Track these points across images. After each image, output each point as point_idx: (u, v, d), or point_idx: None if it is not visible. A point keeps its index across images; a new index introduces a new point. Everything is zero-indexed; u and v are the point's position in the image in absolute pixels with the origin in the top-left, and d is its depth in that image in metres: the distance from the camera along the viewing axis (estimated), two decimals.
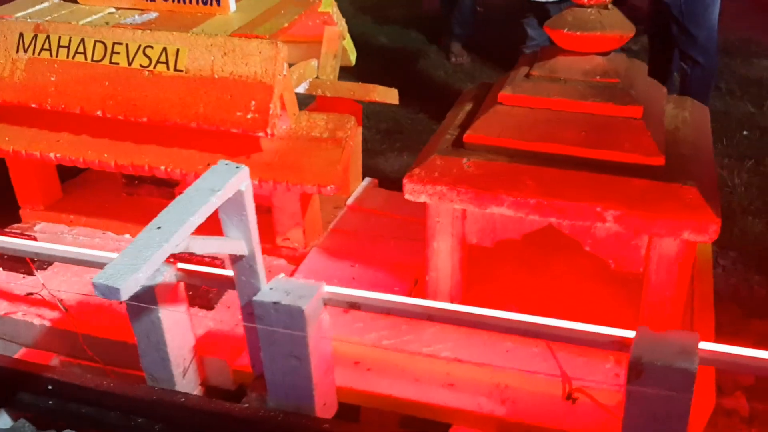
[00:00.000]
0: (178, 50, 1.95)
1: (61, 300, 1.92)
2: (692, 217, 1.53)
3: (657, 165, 1.61)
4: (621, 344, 1.36)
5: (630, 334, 1.37)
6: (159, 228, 1.22)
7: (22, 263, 2.17)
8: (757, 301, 2.21)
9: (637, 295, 1.73)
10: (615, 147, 1.63)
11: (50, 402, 1.74)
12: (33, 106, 2.10)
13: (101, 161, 2.09)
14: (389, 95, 2.29)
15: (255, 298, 1.51)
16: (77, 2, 2.24)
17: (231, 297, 1.99)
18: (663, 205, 1.55)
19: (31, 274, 2.15)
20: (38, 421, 1.85)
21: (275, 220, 2.17)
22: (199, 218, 1.28)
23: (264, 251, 1.55)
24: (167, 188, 2.45)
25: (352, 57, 2.41)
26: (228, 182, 1.34)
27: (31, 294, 1.99)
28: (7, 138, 2.20)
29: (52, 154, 2.15)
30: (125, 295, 1.11)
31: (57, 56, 2.06)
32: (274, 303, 1.49)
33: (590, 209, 1.59)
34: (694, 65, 3.04)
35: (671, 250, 1.60)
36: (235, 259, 1.50)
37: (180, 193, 2.45)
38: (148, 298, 1.60)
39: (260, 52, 1.88)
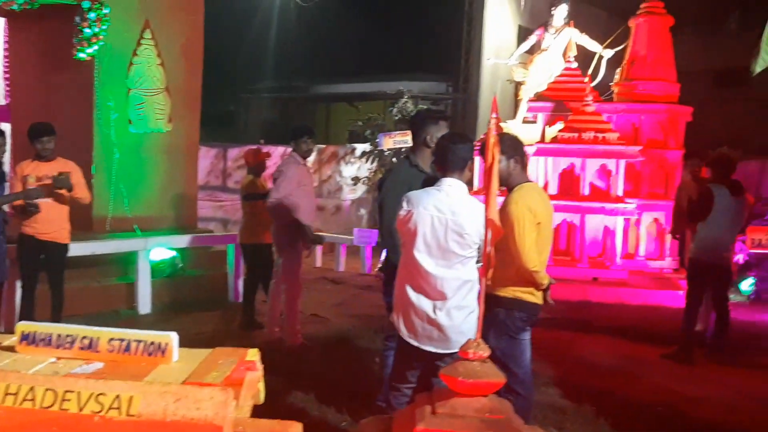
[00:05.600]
0: (131, 397, 2.21)
1: None
2: None
3: None
4: None
5: None
6: None
7: None
8: None
9: None
10: None
11: None
12: None
13: None
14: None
15: None
16: (15, 351, 2.44)
17: None
18: None
19: None
20: None
21: None
22: None
23: None
24: None
25: (262, 396, 2.78)
26: None
27: None
28: None
29: None
30: None
31: (3, 403, 2.21)
32: None
33: None
34: (517, 396, 3.78)
35: None
36: None
37: None
38: None
39: (212, 398, 2.21)
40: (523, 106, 11.65)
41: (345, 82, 20.69)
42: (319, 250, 11.13)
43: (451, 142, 3.53)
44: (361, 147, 13.34)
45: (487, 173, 2.34)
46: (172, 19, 8.41)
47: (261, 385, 2.75)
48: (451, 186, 3.43)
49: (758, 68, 2.91)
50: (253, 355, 2.63)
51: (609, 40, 11.30)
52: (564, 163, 9.73)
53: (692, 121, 10.66)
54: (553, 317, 7.55)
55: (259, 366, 2.70)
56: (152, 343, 2.45)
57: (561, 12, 11.41)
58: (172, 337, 2.45)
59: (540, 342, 6.60)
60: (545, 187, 9.82)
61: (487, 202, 2.35)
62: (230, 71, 19.28)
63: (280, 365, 5.55)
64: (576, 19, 11.54)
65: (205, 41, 8.97)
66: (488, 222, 2.34)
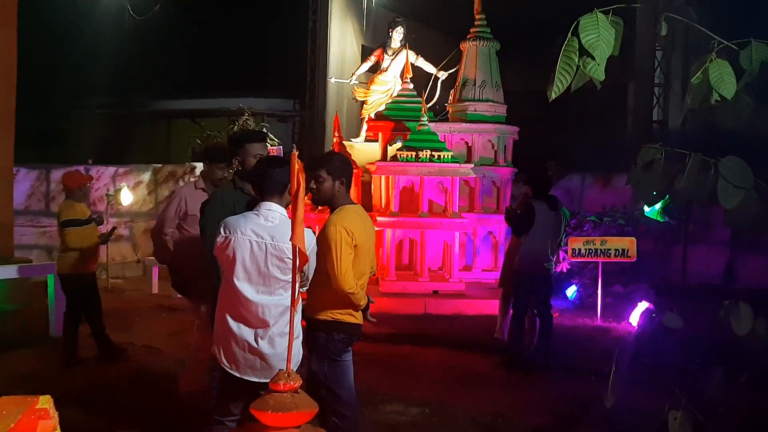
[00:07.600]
0: None
1: None
2: None
3: None
4: None
5: None
6: None
7: None
8: None
9: None
10: None
11: None
12: None
13: None
14: None
15: None
16: None
17: None
18: None
19: None
20: None
21: None
22: None
23: None
24: None
25: None
26: None
27: None
28: None
29: None
30: None
31: None
32: None
33: None
34: (343, 418, 3.76)
35: None
36: None
37: None
38: None
39: None
40: (366, 125, 11.85)
41: (188, 97, 19.97)
42: (155, 275, 10.60)
43: (269, 166, 3.46)
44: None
45: (293, 199, 2.30)
46: None
47: None
48: (270, 210, 3.36)
49: (553, 95, 3.10)
50: (46, 402, 2.41)
51: (443, 63, 11.78)
52: (404, 180, 9.98)
53: (519, 139, 11.34)
54: (394, 332, 7.68)
55: (54, 413, 2.48)
56: None
57: (398, 34, 11.74)
58: None
59: (379, 357, 6.70)
60: (387, 204, 10.02)
61: (293, 229, 2.31)
62: (61, 87, 17.97)
63: (105, 404, 5.20)
64: (414, 40, 11.92)
65: (32, 56, 8.29)
66: (293, 248, 2.29)
